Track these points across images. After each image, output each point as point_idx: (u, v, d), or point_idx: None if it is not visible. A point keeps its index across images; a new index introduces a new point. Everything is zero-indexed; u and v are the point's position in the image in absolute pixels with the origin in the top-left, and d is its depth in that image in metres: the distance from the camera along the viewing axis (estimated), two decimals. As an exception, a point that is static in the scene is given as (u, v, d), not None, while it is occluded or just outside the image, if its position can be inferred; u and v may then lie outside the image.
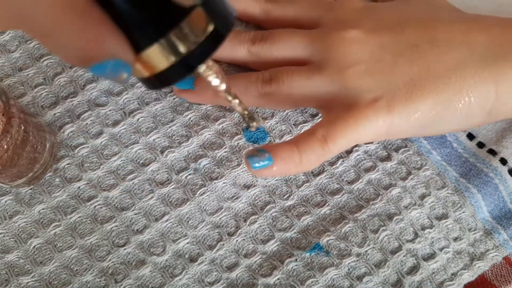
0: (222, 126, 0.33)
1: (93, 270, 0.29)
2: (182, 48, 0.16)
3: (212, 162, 0.32)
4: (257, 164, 0.25)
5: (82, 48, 0.15)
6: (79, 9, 0.14)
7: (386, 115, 0.26)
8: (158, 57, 0.16)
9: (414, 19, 0.29)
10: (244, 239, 0.30)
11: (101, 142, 0.32)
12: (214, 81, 0.19)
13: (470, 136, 0.33)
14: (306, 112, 0.33)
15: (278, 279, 0.29)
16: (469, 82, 0.26)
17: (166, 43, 0.16)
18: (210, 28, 0.17)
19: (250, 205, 0.31)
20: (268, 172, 0.25)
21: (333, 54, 0.28)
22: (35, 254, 0.29)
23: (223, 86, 0.20)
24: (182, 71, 0.17)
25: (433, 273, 0.30)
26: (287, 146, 0.26)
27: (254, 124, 0.23)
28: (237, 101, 0.21)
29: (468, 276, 0.30)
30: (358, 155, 0.32)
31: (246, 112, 0.22)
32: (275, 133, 0.33)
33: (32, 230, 0.30)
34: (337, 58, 0.28)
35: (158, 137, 0.32)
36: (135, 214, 0.30)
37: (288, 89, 0.29)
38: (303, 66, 0.29)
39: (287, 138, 0.33)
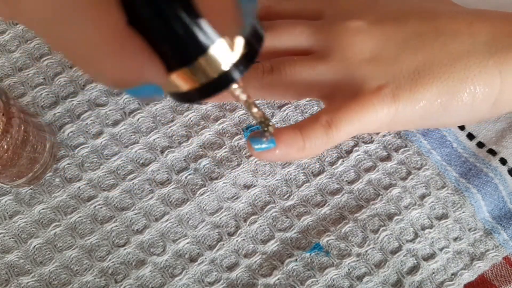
0: (222, 126, 0.33)
1: (93, 270, 0.29)
2: (216, 70, 0.17)
3: (212, 162, 0.32)
4: (259, 146, 0.25)
5: (121, 75, 0.15)
6: (122, 38, 0.15)
7: (391, 103, 0.26)
8: (191, 76, 0.17)
9: (417, 11, 0.29)
10: (244, 239, 0.30)
11: (101, 142, 0.32)
12: (242, 96, 0.20)
13: (470, 136, 0.33)
14: (306, 112, 0.33)
15: (278, 279, 0.29)
16: (474, 71, 0.26)
17: (201, 64, 0.16)
18: (244, 50, 0.17)
19: (250, 205, 0.31)
20: (270, 155, 0.25)
21: (337, 43, 0.28)
22: (35, 254, 0.29)
23: (245, 97, 0.21)
24: (218, 87, 0.17)
25: (433, 273, 0.30)
26: (291, 130, 0.25)
27: (270, 129, 0.23)
28: (255, 109, 0.22)
29: (468, 276, 0.30)
30: (358, 155, 0.32)
31: (263, 119, 0.23)
32: (275, 133, 0.33)
33: (32, 230, 0.30)
34: (342, 47, 0.28)
35: (158, 137, 0.32)
36: (135, 214, 0.30)
37: (291, 78, 0.28)
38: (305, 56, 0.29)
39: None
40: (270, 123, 0.23)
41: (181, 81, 0.17)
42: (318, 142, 0.25)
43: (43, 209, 0.30)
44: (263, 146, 0.24)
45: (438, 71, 0.26)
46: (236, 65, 0.17)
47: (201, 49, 0.16)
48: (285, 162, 0.32)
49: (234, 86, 0.19)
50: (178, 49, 0.16)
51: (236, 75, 0.17)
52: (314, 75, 0.28)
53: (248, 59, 0.17)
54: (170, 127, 0.32)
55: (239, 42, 0.17)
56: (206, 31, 0.16)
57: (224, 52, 0.16)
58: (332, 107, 0.26)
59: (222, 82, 0.17)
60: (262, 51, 0.26)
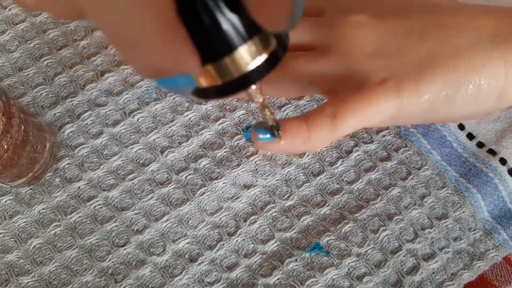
0: (222, 126, 0.33)
1: (93, 270, 0.29)
2: (239, 70, 0.16)
3: (212, 162, 0.32)
4: (263, 136, 0.24)
5: (161, 63, 0.15)
6: (172, 24, 0.14)
7: (395, 96, 0.26)
8: (222, 71, 0.16)
9: (419, 6, 0.28)
10: (244, 239, 0.30)
11: (101, 142, 0.32)
12: (258, 97, 0.20)
13: (470, 136, 0.33)
14: (306, 112, 0.33)
15: (278, 279, 0.29)
16: (478, 63, 0.26)
17: (226, 63, 0.16)
18: (273, 48, 0.17)
19: (250, 205, 0.31)
20: (274, 146, 0.25)
21: (339, 38, 0.28)
22: (35, 254, 0.29)
23: (261, 99, 0.20)
24: (238, 87, 0.17)
25: (433, 273, 0.30)
26: (296, 121, 0.25)
27: (280, 133, 0.23)
28: (268, 113, 0.22)
29: (468, 276, 0.30)
30: (358, 155, 0.32)
31: (275, 123, 0.23)
32: (275, 133, 0.33)
33: (32, 230, 0.30)
34: (343, 41, 0.28)
35: (158, 137, 0.32)
36: (135, 214, 0.30)
37: (293, 74, 0.28)
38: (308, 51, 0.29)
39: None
40: (280, 128, 0.23)
41: (203, 77, 0.17)
42: (323, 133, 0.25)
43: (43, 209, 0.30)
44: (268, 136, 0.24)
45: (442, 63, 0.26)
46: (260, 67, 0.17)
47: (230, 49, 0.16)
48: (286, 162, 0.32)
49: (253, 87, 0.19)
50: (208, 44, 0.15)
51: (258, 77, 0.17)
52: (316, 70, 0.28)
53: (271, 63, 0.17)
54: (170, 127, 0.32)
55: (271, 43, 0.17)
56: (240, 30, 0.15)
57: (252, 53, 0.16)
58: (336, 100, 0.26)
59: (242, 83, 0.17)
60: None
